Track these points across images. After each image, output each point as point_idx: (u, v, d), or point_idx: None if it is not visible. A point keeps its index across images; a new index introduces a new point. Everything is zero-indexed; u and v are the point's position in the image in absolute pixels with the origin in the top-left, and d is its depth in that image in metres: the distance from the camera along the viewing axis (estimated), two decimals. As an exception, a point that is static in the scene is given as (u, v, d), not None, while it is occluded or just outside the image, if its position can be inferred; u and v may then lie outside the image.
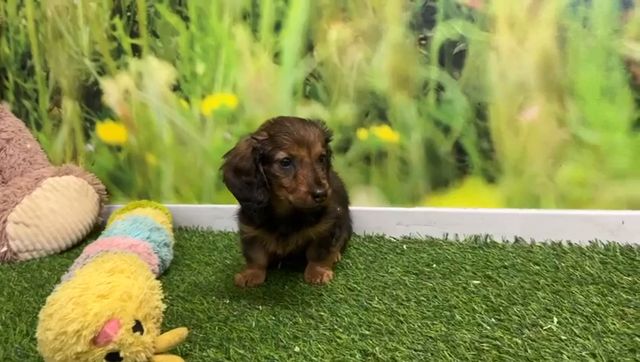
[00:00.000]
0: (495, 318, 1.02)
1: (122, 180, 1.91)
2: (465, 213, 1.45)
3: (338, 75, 1.53)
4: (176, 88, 1.75)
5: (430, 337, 0.97)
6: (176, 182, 1.83)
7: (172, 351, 0.96)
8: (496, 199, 1.42)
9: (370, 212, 1.55)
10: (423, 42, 1.43)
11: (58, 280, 1.41)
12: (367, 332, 1.01)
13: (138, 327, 0.89)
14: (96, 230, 1.85)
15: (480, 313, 1.04)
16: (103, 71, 1.85)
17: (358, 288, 1.21)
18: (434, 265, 1.31)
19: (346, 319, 1.07)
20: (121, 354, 0.87)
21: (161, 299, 0.97)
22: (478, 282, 1.19)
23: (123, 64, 1.81)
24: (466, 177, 1.44)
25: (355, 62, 1.50)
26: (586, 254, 1.29)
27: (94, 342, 0.85)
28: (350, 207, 1.51)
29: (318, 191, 1.04)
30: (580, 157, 1.33)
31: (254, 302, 1.20)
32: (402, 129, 1.48)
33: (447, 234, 1.48)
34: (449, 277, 1.23)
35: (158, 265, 1.31)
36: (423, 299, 1.13)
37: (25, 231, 1.62)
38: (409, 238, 1.52)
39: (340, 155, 1.56)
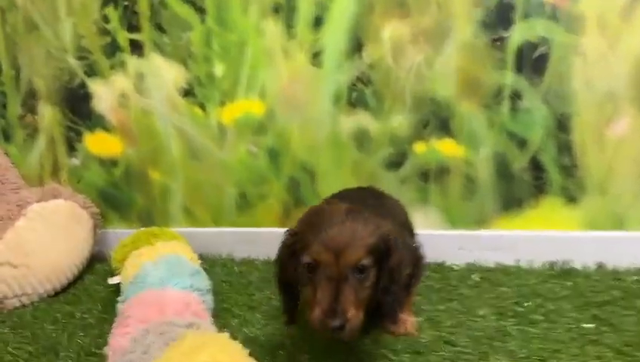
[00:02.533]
0: (647, 380, 0.88)
1: (118, 200, 1.62)
2: (539, 236, 1.30)
3: (392, 80, 1.32)
4: (187, 93, 1.47)
5: (592, 415, 0.81)
6: (187, 202, 1.56)
7: None
8: (577, 221, 1.28)
9: (427, 236, 1.36)
10: (497, 43, 1.24)
11: (70, 337, 1.15)
12: (510, 411, 0.83)
13: None
14: (90, 262, 1.56)
15: (627, 372, 0.90)
16: (91, 71, 1.54)
17: (459, 342, 1.02)
18: (525, 304, 1.15)
19: (473, 391, 0.89)
20: None
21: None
22: (592, 326, 1.04)
23: (119, 63, 1.51)
24: (543, 197, 1.29)
25: (413, 64, 1.30)
26: (683, 280, 1.18)
27: None
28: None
29: (332, 323, 0.80)
30: (672, 174, 1.20)
31: (339, 358, 0.99)
32: (469, 142, 1.30)
33: (518, 261, 1.32)
34: (553, 320, 1.07)
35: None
36: (547, 355, 0.96)
37: (12, 273, 1.31)
38: (474, 265, 1.36)
39: (391, 171, 1.37)
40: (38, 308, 1.33)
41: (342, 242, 0.83)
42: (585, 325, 1.04)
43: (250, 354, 0.79)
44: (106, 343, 0.95)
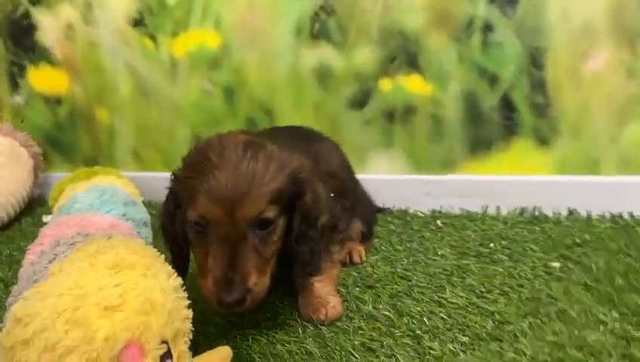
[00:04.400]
0: (615, 312, 0.80)
1: (62, 142, 1.51)
2: (509, 181, 1.22)
3: (357, 10, 1.23)
4: (137, 23, 1.37)
5: (554, 343, 0.73)
6: (135, 145, 1.45)
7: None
8: (548, 164, 1.20)
9: (391, 181, 1.28)
10: (469, -30, 1.16)
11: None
12: (464, 339, 0.75)
13: (167, 355, 0.57)
14: (30, 206, 1.45)
15: (592, 305, 0.82)
16: (36, 0, 1.43)
17: (414, 277, 0.95)
18: (490, 245, 1.07)
19: (425, 321, 0.80)
20: (145, 399, 0.55)
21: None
22: (559, 264, 0.96)
23: (65, -9, 1.40)
24: (514, 139, 1.21)
25: (380, -7, 1.21)
26: (658, 227, 1.10)
27: (105, 383, 0.52)
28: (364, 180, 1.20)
29: (225, 297, 0.64)
30: (650, 114, 1.13)
31: (285, 299, 0.90)
32: (437, 79, 1.21)
33: (486, 207, 1.24)
34: (518, 259, 1.00)
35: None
36: (507, 289, 0.89)
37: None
38: (440, 212, 1.27)
39: (355, 111, 1.27)
40: (-35, 245, 1.23)
41: (236, 191, 0.65)
42: (552, 263, 0.97)
43: (194, 292, 0.66)
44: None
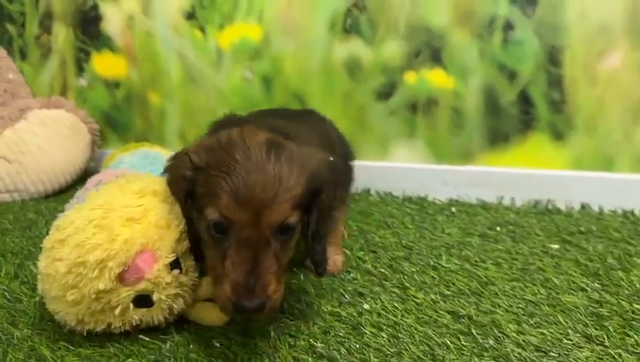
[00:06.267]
0: (598, 283, 0.85)
1: (118, 121, 1.67)
2: (525, 174, 1.27)
3: (387, 7, 1.32)
4: (190, 16, 1.51)
5: (530, 301, 0.79)
6: (182, 126, 1.59)
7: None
8: (563, 159, 1.24)
9: (412, 169, 1.36)
10: (493, -28, 1.23)
11: (47, 223, 1.18)
12: (447, 293, 0.82)
13: (177, 264, 0.68)
14: (85, 176, 1.61)
15: (577, 277, 0.87)
16: (104, -8, 1.61)
17: (416, 247, 1.02)
18: (497, 228, 1.12)
19: (416, 277, 0.88)
20: (154, 298, 0.66)
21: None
22: (557, 246, 1.01)
23: (129, -15, 1.57)
24: (530, 132, 1.26)
25: (408, -8, 1.30)
26: (668, 224, 1.13)
27: (121, 278, 0.64)
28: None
29: (246, 304, 0.59)
30: (664, 113, 1.16)
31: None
32: (459, 73, 1.29)
33: (502, 198, 1.29)
34: (520, 241, 1.05)
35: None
36: (501, 261, 0.95)
37: (6, 168, 1.37)
38: (457, 201, 1.33)
39: (381, 102, 1.36)
40: (26, 204, 1.39)
41: (264, 196, 0.61)
42: (551, 245, 1.02)
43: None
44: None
